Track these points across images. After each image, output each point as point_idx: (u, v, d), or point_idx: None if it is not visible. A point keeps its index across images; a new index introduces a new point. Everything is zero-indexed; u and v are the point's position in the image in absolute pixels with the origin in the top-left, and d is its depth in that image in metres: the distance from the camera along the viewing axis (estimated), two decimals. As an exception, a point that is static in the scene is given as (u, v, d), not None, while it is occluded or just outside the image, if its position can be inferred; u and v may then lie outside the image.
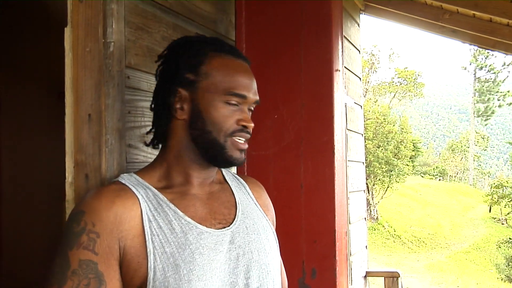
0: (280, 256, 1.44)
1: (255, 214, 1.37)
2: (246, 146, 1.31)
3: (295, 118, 2.00)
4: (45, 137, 3.50)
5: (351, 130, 3.79)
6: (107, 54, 1.47)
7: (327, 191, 1.95)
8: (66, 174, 1.50)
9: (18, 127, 3.55)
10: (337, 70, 1.98)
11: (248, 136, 1.30)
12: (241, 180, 1.47)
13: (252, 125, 1.30)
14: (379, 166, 19.16)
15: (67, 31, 1.52)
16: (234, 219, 1.30)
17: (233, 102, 1.26)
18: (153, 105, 1.34)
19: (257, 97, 1.33)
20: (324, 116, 1.97)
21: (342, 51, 2.06)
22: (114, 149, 1.47)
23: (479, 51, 39.46)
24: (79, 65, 1.49)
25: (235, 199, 1.36)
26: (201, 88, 1.26)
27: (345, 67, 3.54)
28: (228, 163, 1.29)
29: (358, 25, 4.25)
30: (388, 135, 19.72)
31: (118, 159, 1.48)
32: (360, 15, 4.32)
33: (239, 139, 1.28)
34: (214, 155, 1.27)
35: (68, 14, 1.53)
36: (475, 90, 43.51)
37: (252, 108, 1.34)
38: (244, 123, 1.28)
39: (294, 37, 2.03)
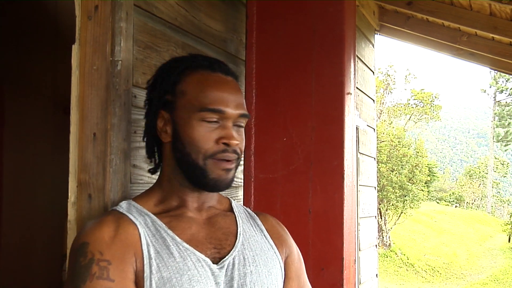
0: None
1: (259, 246, 1.33)
2: (232, 165, 1.27)
3: (305, 141, 2.02)
4: (49, 152, 3.54)
5: (363, 154, 3.80)
6: (114, 72, 1.50)
7: (335, 217, 1.96)
8: (69, 194, 1.52)
9: (22, 141, 3.59)
10: (348, 93, 2.00)
11: (234, 155, 1.26)
12: (252, 213, 1.44)
13: (236, 142, 1.25)
14: (393, 190, 19.04)
15: (75, 48, 1.55)
16: (232, 249, 1.28)
17: (211, 119, 1.23)
18: (144, 134, 1.39)
19: (242, 111, 1.28)
20: (335, 140, 1.99)
21: (355, 74, 2.08)
22: (118, 169, 1.49)
23: (500, 73, 39.35)
24: (86, 83, 1.52)
25: (237, 228, 1.34)
26: (179, 108, 1.26)
27: (358, 88, 3.56)
28: (212, 187, 1.27)
29: (373, 45, 4.27)
30: (402, 158, 19.62)
31: (122, 180, 1.50)
32: (375, 35, 4.35)
33: (222, 159, 1.24)
34: (197, 179, 1.26)
35: (76, 31, 1.56)
36: (495, 114, 43.30)
37: (242, 124, 1.30)
38: (225, 140, 1.23)
39: (306, 58, 2.06)
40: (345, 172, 1.96)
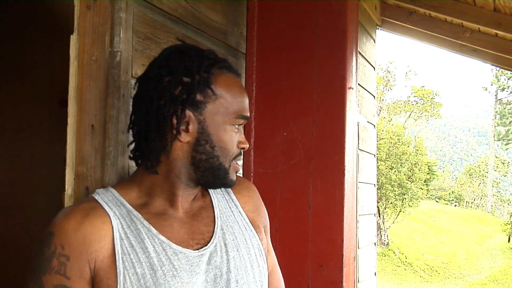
0: (269, 268, 1.43)
1: (237, 227, 1.34)
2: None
3: (306, 136, 2.02)
4: (45, 144, 3.53)
5: (363, 150, 3.80)
6: (113, 63, 1.49)
7: (335, 213, 1.96)
8: (66, 186, 1.52)
9: (17, 133, 3.58)
10: (350, 87, 2.00)
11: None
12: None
13: (248, 145, 1.33)
14: (392, 188, 19.09)
15: (73, 38, 1.55)
16: (212, 237, 1.28)
17: (239, 124, 1.28)
18: (140, 122, 1.25)
19: None
20: (336, 135, 1.99)
21: (356, 68, 2.09)
22: (116, 162, 1.49)
23: (501, 71, 39.29)
24: (84, 74, 1.52)
25: (214, 214, 1.33)
26: (210, 110, 1.23)
27: (358, 84, 3.56)
28: (225, 186, 1.31)
29: (374, 40, 4.27)
30: (402, 156, 19.66)
31: (120, 173, 1.50)
32: (377, 30, 4.35)
33: (238, 162, 1.31)
34: (214, 180, 1.28)
35: (75, 21, 1.56)
36: (496, 112, 43.35)
37: None
38: (243, 145, 1.31)
39: (308, 52, 2.06)
40: (346, 168, 1.97)
